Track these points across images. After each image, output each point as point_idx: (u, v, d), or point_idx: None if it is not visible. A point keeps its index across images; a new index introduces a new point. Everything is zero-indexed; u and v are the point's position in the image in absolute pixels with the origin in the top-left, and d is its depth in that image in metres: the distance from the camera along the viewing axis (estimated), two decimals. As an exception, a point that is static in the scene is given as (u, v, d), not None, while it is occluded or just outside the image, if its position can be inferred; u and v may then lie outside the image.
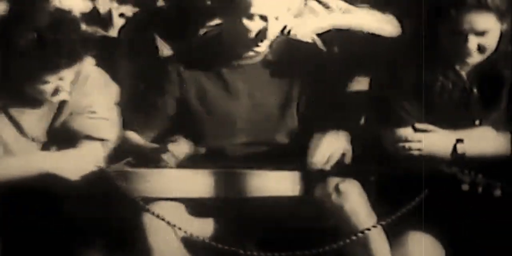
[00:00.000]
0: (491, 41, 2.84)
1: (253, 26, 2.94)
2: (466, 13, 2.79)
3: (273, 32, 2.96)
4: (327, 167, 2.83)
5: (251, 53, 3.02)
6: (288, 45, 3.10)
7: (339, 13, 3.29)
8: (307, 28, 3.24)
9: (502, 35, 2.86)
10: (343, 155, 2.87)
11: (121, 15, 3.40)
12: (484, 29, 2.80)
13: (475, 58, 2.86)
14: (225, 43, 3.04)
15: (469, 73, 2.92)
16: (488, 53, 2.86)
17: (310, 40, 3.22)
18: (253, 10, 2.92)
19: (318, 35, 3.26)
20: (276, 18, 2.95)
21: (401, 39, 3.18)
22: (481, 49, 2.84)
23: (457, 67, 2.91)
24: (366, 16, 3.28)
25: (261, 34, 2.94)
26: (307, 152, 2.85)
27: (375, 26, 3.24)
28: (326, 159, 2.84)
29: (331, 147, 2.86)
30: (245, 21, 2.93)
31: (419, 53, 2.89)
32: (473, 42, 2.82)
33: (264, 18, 2.93)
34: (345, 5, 3.33)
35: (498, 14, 2.80)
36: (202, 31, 3.21)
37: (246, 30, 2.94)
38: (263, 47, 3.00)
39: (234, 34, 2.99)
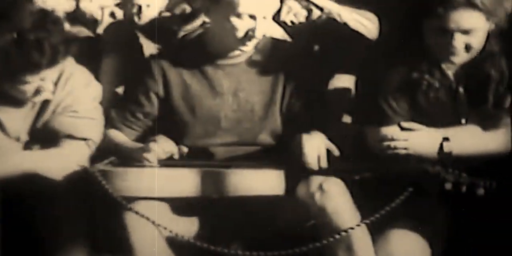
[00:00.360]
0: (477, 40, 2.84)
1: (242, 25, 2.94)
2: (453, 11, 2.78)
3: (261, 31, 2.96)
4: (323, 165, 2.82)
5: (237, 52, 3.02)
6: (272, 45, 3.09)
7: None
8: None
9: (489, 35, 2.87)
10: (328, 151, 2.87)
11: (112, 14, 3.39)
12: (471, 28, 2.80)
13: (461, 57, 2.86)
14: (212, 42, 3.04)
15: (456, 72, 2.92)
16: (474, 52, 2.87)
17: (279, 36, 3.23)
18: (241, 9, 2.92)
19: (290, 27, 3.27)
20: (264, 17, 2.95)
21: (387, 38, 3.18)
22: (467, 48, 2.84)
23: (444, 66, 2.91)
24: (345, 9, 3.28)
25: (250, 33, 2.94)
26: (301, 153, 2.84)
27: (353, 17, 3.24)
28: (317, 158, 2.83)
29: (313, 145, 2.85)
30: (233, 20, 2.93)
31: (405, 51, 2.90)
32: (459, 40, 2.82)
33: (253, 17, 2.93)
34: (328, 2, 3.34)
35: (486, 13, 2.80)
36: (181, 34, 3.21)
37: (234, 29, 2.94)
38: (249, 46, 3.00)
39: (221, 33, 2.98)
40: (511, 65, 2.90)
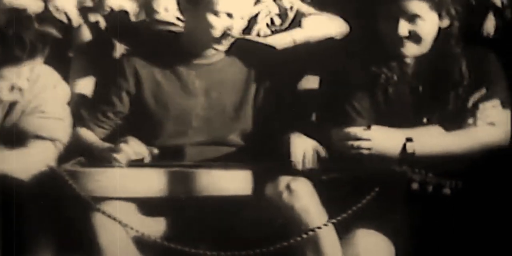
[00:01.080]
0: (424, 31, 2.88)
1: (218, 23, 2.94)
2: (400, 1, 2.85)
3: (237, 30, 2.97)
4: (309, 165, 2.81)
5: (212, 52, 3.02)
6: (245, 45, 3.10)
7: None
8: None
9: (443, 32, 2.91)
10: (316, 151, 2.85)
11: (83, 16, 3.38)
12: (415, 13, 2.85)
13: (411, 49, 2.89)
14: (186, 40, 3.04)
15: (414, 68, 2.94)
16: (424, 45, 2.90)
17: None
18: (219, 7, 2.92)
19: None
20: (242, 18, 2.97)
21: (350, 36, 3.23)
22: (413, 36, 2.87)
23: (401, 60, 2.93)
24: (319, 24, 3.32)
25: (227, 32, 2.95)
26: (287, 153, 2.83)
27: (328, 32, 3.28)
28: (302, 157, 2.82)
29: (300, 145, 2.84)
30: (210, 18, 2.93)
31: (364, 46, 2.93)
32: (403, 27, 2.85)
33: (230, 16, 2.94)
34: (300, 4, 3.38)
35: (432, 3, 2.85)
36: (155, 27, 3.22)
37: (210, 27, 2.94)
38: (225, 45, 3.00)
39: (197, 31, 2.99)
40: (474, 68, 2.92)
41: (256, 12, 3.33)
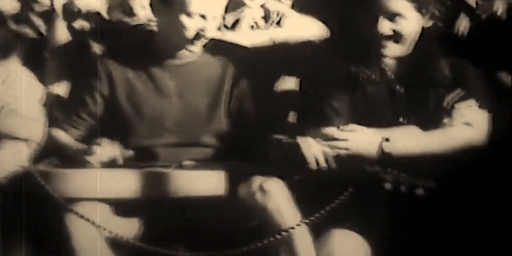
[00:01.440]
0: (406, 29, 2.88)
1: (191, 24, 2.94)
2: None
3: (211, 31, 2.96)
4: (323, 165, 2.79)
5: (185, 53, 3.02)
6: (219, 46, 3.10)
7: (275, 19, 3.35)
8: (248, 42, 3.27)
9: (425, 31, 2.92)
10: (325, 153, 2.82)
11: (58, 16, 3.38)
12: (396, 12, 2.86)
13: (391, 48, 2.90)
14: (160, 41, 3.04)
15: (394, 69, 2.94)
16: (406, 44, 2.90)
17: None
18: (193, 8, 2.92)
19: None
20: (214, 18, 2.96)
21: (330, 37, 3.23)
22: (394, 35, 2.87)
23: (381, 60, 2.93)
24: (299, 25, 3.32)
25: (200, 33, 2.95)
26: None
27: (307, 34, 3.28)
28: (315, 160, 2.80)
29: (312, 148, 2.81)
30: (183, 19, 2.93)
31: (344, 47, 2.94)
32: (384, 25, 2.86)
33: (203, 17, 2.94)
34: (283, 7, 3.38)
35: (415, 3, 2.87)
36: (129, 28, 3.22)
37: (183, 28, 2.94)
38: (198, 46, 3.00)
39: (170, 32, 2.99)
40: (451, 68, 2.93)
41: (241, 15, 3.33)
